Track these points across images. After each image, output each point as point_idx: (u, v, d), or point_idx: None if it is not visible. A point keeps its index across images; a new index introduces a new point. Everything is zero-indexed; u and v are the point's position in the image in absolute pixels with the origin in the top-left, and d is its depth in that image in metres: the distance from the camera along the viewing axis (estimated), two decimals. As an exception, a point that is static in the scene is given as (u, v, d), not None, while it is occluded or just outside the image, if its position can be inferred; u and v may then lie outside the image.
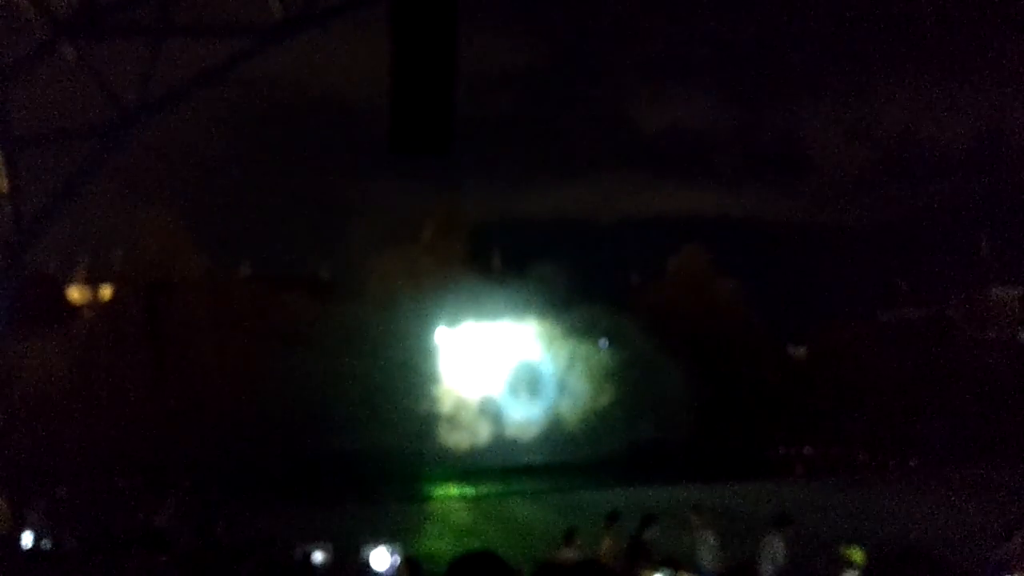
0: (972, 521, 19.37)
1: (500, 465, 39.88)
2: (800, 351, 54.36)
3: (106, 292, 46.03)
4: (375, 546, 6.61)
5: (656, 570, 8.83)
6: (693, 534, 12.34)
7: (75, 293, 49.51)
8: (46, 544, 11.00)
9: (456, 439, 40.68)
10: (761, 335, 49.80)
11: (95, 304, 46.34)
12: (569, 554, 10.16)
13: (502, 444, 41.36)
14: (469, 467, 39.44)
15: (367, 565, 6.60)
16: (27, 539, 11.28)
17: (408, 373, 40.47)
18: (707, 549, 12.07)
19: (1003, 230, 57.23)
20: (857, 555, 10.19)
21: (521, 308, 43.39)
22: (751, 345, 47.78)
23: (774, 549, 11.23)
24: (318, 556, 7.34)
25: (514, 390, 42.91)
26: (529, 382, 43.21)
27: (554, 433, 41.79)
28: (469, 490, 37.59)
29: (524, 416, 42.15)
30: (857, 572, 9.31)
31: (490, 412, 42.24)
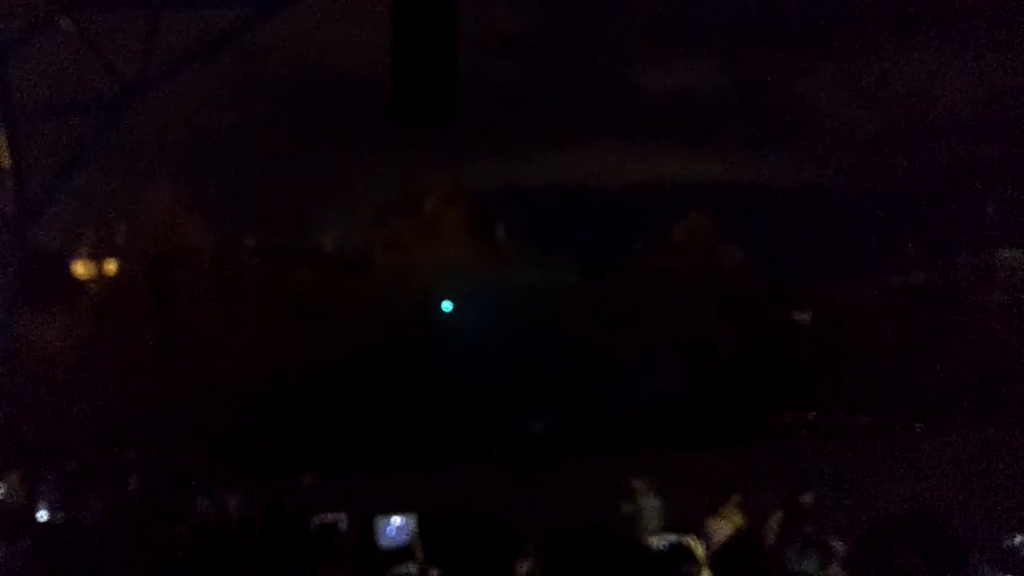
0: (977, 485, 19.48)
1: (509, 432, 40.16)
2: (805, 316, 54.36)
3: (111, 266, 46.10)
4: (389, 516, 6.66)
5: (664, 535, 8.89)
6: (637, 500, 12.26)
7: (80, 268, 49.56)
8: (60, 518, 11.13)
9: (464, 407, 40.88)
10: (765, 300, 49.81)
11: (100, 278, 46.41)
12: (732, 516, 9.98)
13: (508, 412, 41.59)
14: (478, 435, 39.70)
15: (381, 535, 6.66)
16: (41, 513, 11.42)
17: (413, 344, 40.60)
18: (651, 514, 12.02)
19: (1009, 192, 56.87)
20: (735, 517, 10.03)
21: (524, 277, 43.40)
22: (756, 310, 47.80)
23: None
24: (333, 526, 7.42)
25: (519, 358, 43.02)
26: (534, 350, 43.30)
27: (560, 400, 42.01)
28: (479, 458, 37.85)
29: (530, 383, 42.32)
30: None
31: (497, 380, 42.41)
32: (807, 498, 10.58)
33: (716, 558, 4.87)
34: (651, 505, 12.20)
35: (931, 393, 43.30)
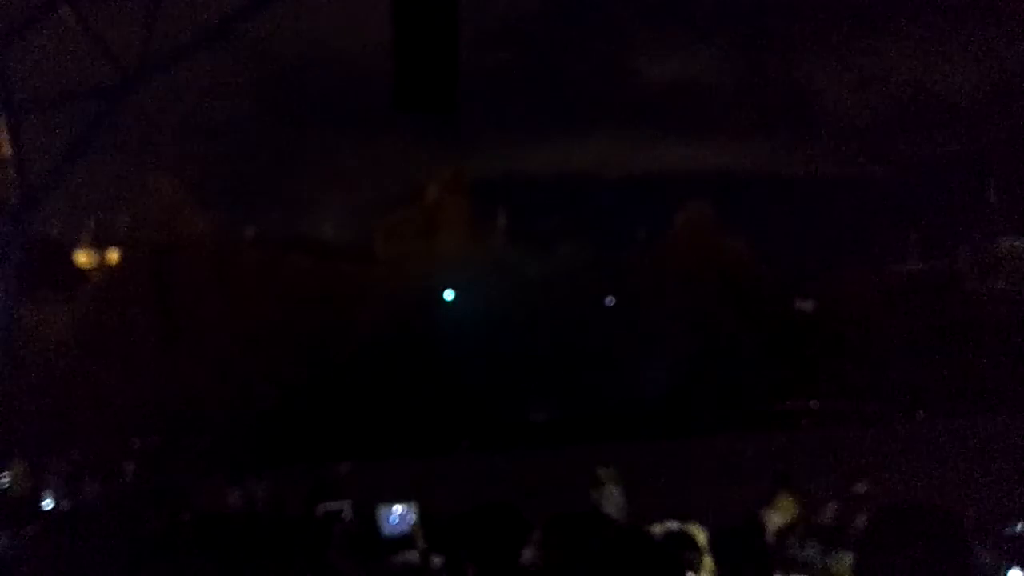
0: (980, 473, 19.49)
1: (511, 420, 40.22)
2: (807, 304, 54.32)
3: (113, 256, 46.16)
4: (391, 504, 6.69)
5: (667, 523, 8.90)
6: (600, 489, 12.36)
7: (82, 257, 49.66)
8: (65, 505, 11.17)
9: (467, 395, 41.01)
10: (768, 288, 49.80)
11: (102, 268, 46.49)
12: (783, 502, 9.95)
13: (512, 400, 41.67)
14: (482, 423, 39.79)
15: (384, 523, 6.68)
16: (46, 501, 11.47)
17: (415, 332, 40.62)
18: (613, 504, 12.10)
19: (1012, 182, 56.72)
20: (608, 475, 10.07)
21: (526, 265, 43.37)
22: (758, 299, 47.79)
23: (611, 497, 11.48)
24: (337, 514, 7.44)
25: (521, 347, 43.07)
26: (536, 338, 43.33)
27: (563, 388, 42.08)
28: (483, 445, 37.94)
29: (532, 372, 42.39)
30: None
31: (500, 368, 42.48)
32: (861, 487, 10.46)
33: (718, 545, 4.88)
34: (616, 494, 12.34)
35: (933, 381, 43.33)
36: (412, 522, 6.67)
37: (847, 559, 6.29)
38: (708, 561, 4.85)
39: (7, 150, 15.31)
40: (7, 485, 12.57)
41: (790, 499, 10.37)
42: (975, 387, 42.05)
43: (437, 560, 6.24)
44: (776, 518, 9.81)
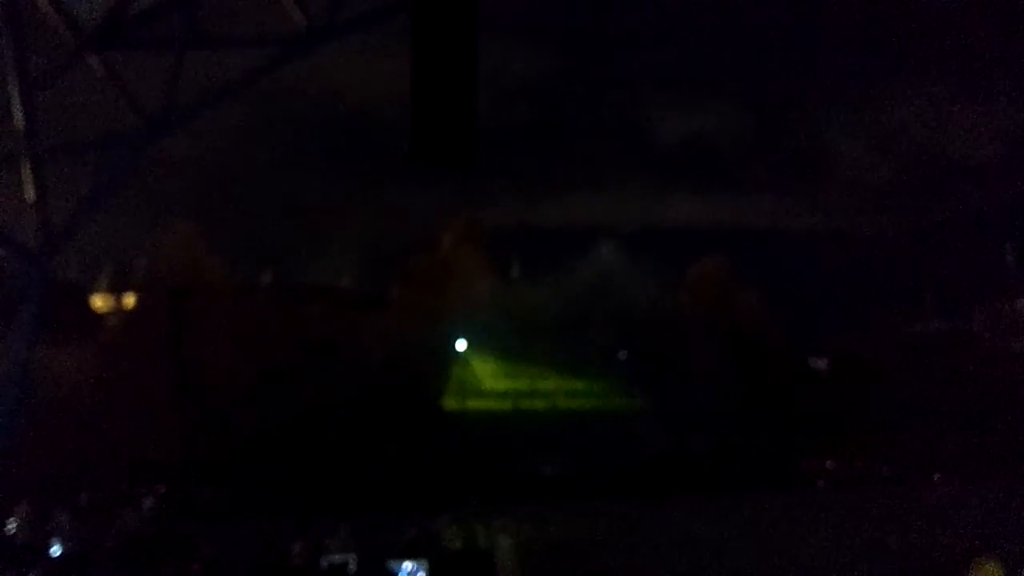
0: (997, 538, 19.14)
1: (520, 475, 39.82)
2: (822, 363, 53.89)
3: (129, 300, 46.41)
4: (400, 559, 6.62)
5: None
6: (496, 546, 12.47)
7: (99, 301, 49.97)
8: (71, 551, 11.08)
9: (477, 448, 40.71)
10: (782, 347, 49.47)
11: (119, 312, 46.73)
12: (988, 567, 9.56)
13: (522, 454, 41.33)
14: (491, 476, 39.39)
15: (392, 577, 6.62)
16: (53, 547, 11.38)
17: (428, 383, 40.54)
18: (506, 557, 12.21)
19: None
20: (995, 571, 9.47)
21: (539, 318, 43.38)
22: (772, 357, 47.48)
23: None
24: (343, 567, 7.37)
25: (534, 400, 42.87)
26: (549, 392, 43.13)
27: (573, 444, 41.73)
28: (491, 499, 37.49)
29: (544, 426, 42.12)
30: None
31: (510, 421, 42.24)
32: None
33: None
34: (507, 548, 12.45)
35: (950, 443, 42.76)
36: (420, 578, 6.60)
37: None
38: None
39: (31, 194, 15.55)
40: (14, 530, 12.50)
41: (994, 563, 9.92)
42: (992, 449, 41.43)
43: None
44: None
